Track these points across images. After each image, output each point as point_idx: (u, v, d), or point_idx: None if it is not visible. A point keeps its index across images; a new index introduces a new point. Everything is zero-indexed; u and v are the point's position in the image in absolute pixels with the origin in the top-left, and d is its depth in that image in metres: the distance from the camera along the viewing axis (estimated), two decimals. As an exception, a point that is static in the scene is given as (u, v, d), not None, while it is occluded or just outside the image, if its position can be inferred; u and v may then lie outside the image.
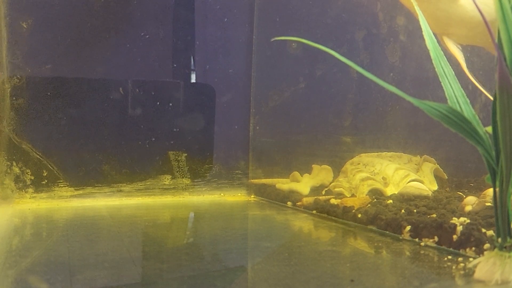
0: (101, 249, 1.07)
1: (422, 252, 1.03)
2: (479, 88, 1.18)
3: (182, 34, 1.81)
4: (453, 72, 0.92)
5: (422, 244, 1.08)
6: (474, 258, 0.91)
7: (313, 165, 1.78)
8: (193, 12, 1.83)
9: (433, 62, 0.92)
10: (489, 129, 0.82)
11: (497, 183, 0.82)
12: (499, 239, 0.82)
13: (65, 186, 1.63)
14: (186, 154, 1.79)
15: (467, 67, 1.41)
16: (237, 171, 1.89)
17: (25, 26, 1.57)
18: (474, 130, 0.81)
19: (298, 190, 1.66)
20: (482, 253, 0.94)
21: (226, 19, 1.88)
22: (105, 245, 1.11)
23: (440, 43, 1.19)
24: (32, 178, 1.59)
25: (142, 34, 1.69)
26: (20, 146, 1.57)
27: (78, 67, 1.64)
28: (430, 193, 1.38)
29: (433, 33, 1.14)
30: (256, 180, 1.89)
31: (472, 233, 0.98)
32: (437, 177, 1.58)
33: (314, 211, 1.47)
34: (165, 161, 1.76)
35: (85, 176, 1.65)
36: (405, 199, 1.36)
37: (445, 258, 0.96)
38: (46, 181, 1.60)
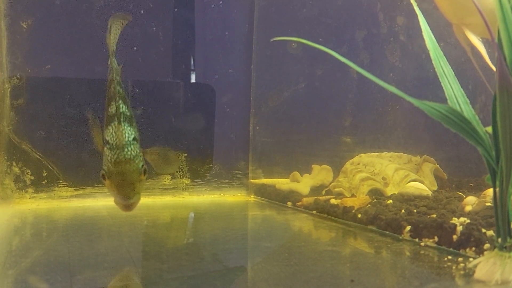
0: (101, 249, 1.07)
1: (422, 252, 1.03)
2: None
3: (182, 34, 1.81)
4: (453, 72, 0.92)
5: (422, 244, 1.08)
6: (474, 258, 0.91)
7: (313, 165, 1.78)
8: (193, 12, 1.83)
9: (433, 62, 0.92)
10: (489, 129, 0.82)
11: (497, 183, 0.82)
12: (499, 239, 0.82)
13: (65, 186, 1.62)
14: (186, 154, 1.79)
15: (467, 67, 1.41)
16: (237, 171, 1.89)
17: (25, 26, 1.57)
18: (474, 130, 0.81)
19: (298, 190, 1.66)
20: (482, 253, 0.94)
21: (226, 19, 1.88)
22: (105, 245, 1.11)
23: (456, 33, 1.18)
24: (32, 178, 1.59)
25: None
26: (20, 146, 1.57)
27: (78, 67, 1.64)
28: (430, 193, 1.38)
29: (450, 23, 1.13)
30: (256, 180, 1.89)
31: (472, 233, 0.98)
32: (437, 177, 1.58)
33: (314, 211, 1.47)
34: (165, 161, 1.76)
35: (85, 176, 1.65)
36: (405, 199, 1.36)
37: (445, 258, 0.96)
38: (46, 181, 1.60)
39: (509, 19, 0.76)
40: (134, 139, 0.93)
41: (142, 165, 0.93)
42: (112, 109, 0.96)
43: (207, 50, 1.86)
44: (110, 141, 0.92)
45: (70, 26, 1.62)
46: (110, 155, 0.91)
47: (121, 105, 0.96)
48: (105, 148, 0.93)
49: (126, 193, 0.90)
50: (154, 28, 1.74)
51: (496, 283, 0.77)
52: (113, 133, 0.93)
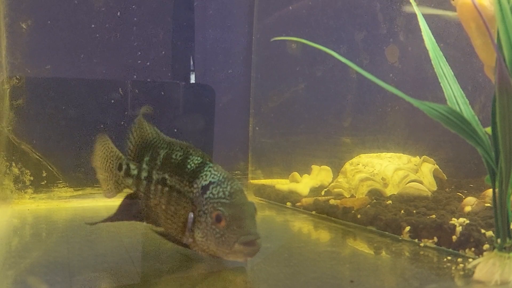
0: (100, 250, 1.07)
1: (421, 252, 1.03)
2: None
3: (182, 34, 1.81)
4: (452, 73, 0.92)
5: (422, 244, 1.08)
6: (474, 258, 0.91)
7: (312, 166, 1.78)
8: (193, 13, 1.83)
9: (433, 63, 0.92)
10: (489, 130, 0.82)
11: (497, 183, 0.82)
12: (499, 240, 0.82)
13: (64, 187, 1.62)
14: (185, 155, 1.78)
15: (466, 68, 1.41)
16: (236, 172, 1.89)
17: (24, 27, 1.57)
18: (474, 131, 0.81)
19: (298, 190, 1.66)
20: (482, 254, 0.94)
21: (225, 20, 1.88)
22: (104, 246, 1.11)
23: (486, 72, 1.17)
24: (32, 178, 1.58)
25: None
26: (19, 147, 1.57)
27: (78, 67, 1.64)
28: (429, 194, 1.38)
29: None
30: (255, 180, 1.89)
31: (472, 234, 0.98)
32: (437, 178, 1.58)
33: (314, 212, 1.47)
34: (164, 162, 1.76)
35: (85, 177, 1.64)
36: (404, 199, 1.36)
37: (445, 259, 0.96)
38: (45, 181, 1.60)
39: (509, 20, 0.76)
40: None
41: (254, 204, 0.85)
42: (194, 162, 0.90)
43: (207, 51, 1.86)
44: (213, 179, 0.85)
45: (70, 26, 1.62)
46: (222, 190, 0.83)
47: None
48: (211, 191, 0.84)
49: (251, 225, 0.80)
50: (154, 28, 1.74)
51: (496, 284, 0.77)
52: (213, 171, 0.87)
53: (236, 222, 0.80)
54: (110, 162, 1.03)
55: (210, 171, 0.87)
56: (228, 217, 0.80)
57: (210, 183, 0.85)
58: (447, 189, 1.54)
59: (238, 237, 0.79)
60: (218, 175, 0.86)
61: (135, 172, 0.98)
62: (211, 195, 0.84)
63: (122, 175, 1.01)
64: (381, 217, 1.22)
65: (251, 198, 1.84)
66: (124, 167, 1.00)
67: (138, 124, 1.01)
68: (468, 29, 1.06)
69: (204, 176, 0.87)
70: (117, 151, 1.03)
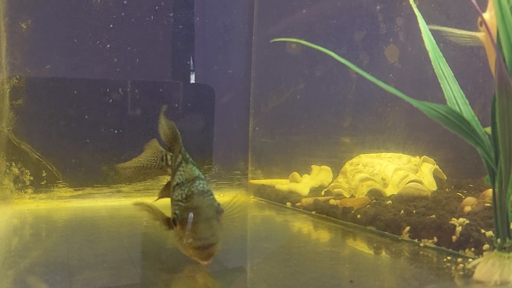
0: (100, 249, 1.07)
1: (421, 252, 1.03)
2: None
3: (182, 34, 1.81)
4: (452, 73, 0.92)
5: (421, 244, 1.08)
6: (474, 259, 0.91)
7: (312, 166, 1.78)
8: (193, 13, 1.83)
9: (433, 63, 0.92)
10: (489, 130, 0.82)
11: (496, 184, 0.82)
12: (499, 240, 0.82)
13: (64, 187, 1.62)
14: (185, 155, 1.78)
15: (466, 68, 1.41)
16: (236, 172, 1.89)
17: (24, 27, 1.57)
18: (473, 131, 0.82)
19: (298, 190, 1.66)
20: (482, 254, 0.94)
21: (225, 20, 1.88)
22: (104, 246, 1.11)
23: None
24: (31, 178, 1.58)
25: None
26: (19, 147, 1.57)
27: (77, 67, 1.64)
28: (429, 194, 1.38)
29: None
30: (255, 180, 1.89)
31: (471, 234, 0.98)
32: (436, 178, 1.58)
33: (314, 212, 1.47)
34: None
35: (85, 177, 1.65)
36: (404, 199, 1.36)
37: (444, 259, 0.96)
38: (45, 181, 1.60)
39: (508, 20, 0.76)
40: (204, 179, 0.87)
41: (218, 204, 0.85)
42: (178, 159, 0.93)
43: (207, 51, 1.86)
44: (178, 180, 0.86)
45: (70, 26, 1.62)
46: (180, 193, 0.83)
47: (187, 155, 0.94)
48: (175, 193, 0.84)
49: (203, 230, 0.78)
50: (154, 28, 1.74)
51: (495, 284, 0.77)
52: (181, 172, 0.87)
53: (189, 226, 0.79)
54: (156, 156, 1.08)
55: (180, 171, 0.89)
56: (181, 220, 0.79)
57: (177, 184, 0.87)
58: (446, 189, 1.54)
59: (191, 241, 0.78)
60: (184, 176, 0.87)
61: (170, 162, 1.04)
62: (174, 196, 0.85)
63: (165, 164, 1.06)
64: (381, 217, 1.22)
65: (251, 198, 1.84)
66: (164, 158, 1.06)
67: (162, 122, 1.05)
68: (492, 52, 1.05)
69: (175, 177, 0.89)
70: (161, 147, 1.10)
